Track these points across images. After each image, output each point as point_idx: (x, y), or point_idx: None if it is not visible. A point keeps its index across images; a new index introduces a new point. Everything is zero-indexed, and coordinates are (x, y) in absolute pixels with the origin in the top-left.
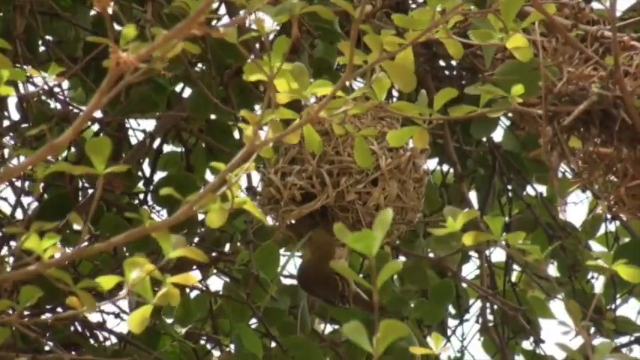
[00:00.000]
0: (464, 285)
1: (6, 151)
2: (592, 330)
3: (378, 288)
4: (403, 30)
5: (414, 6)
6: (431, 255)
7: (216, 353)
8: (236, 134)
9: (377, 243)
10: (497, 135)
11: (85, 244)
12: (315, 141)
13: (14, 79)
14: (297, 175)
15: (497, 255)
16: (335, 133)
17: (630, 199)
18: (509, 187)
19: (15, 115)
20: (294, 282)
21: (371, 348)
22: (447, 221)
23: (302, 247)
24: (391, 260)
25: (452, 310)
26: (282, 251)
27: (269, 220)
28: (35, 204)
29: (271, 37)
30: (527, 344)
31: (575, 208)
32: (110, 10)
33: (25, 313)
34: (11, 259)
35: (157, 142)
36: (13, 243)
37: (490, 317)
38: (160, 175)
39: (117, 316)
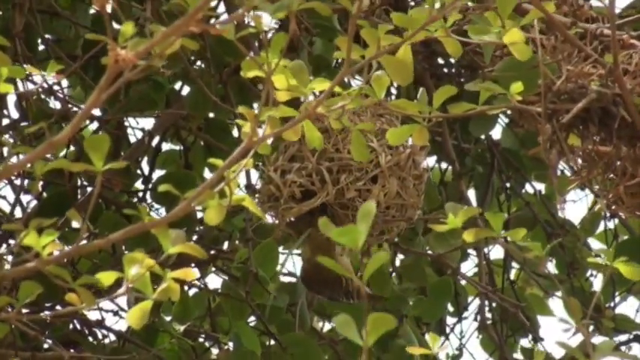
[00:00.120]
0: (462, 283)
1: (5, 150)
2: (591, 328)
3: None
4: (402, 29)
5: (412, 4)
6: (430, 252)
7: (214, 351)
8: (235, 132)
9: (362, 236)
10: (496, 132)
11: (84, 242)
12: (315, 137)
13: (13, 76)
14: (296, 172)
15: (496, 253)
16: (334, 131)
17: (629, 197)
18: (508, 184)
19: (14, 114)
20: (293, 280)
21: (361, 341)
22: (448, 217)
23: (301, 246)
24: (390, 258)
25: (450, 307)
26: (281, 249)
27: (268, 218)
28: (34, 202)
29: (270, 34)
30: (525, 342)
31: (574, 206)
32: (109, 9)
33: (24, 310)
34: (10, 258)
35: (155, 141)
36: (12, 241)
37: (488, 315)
38: (158, 173)
39: (115, 313)
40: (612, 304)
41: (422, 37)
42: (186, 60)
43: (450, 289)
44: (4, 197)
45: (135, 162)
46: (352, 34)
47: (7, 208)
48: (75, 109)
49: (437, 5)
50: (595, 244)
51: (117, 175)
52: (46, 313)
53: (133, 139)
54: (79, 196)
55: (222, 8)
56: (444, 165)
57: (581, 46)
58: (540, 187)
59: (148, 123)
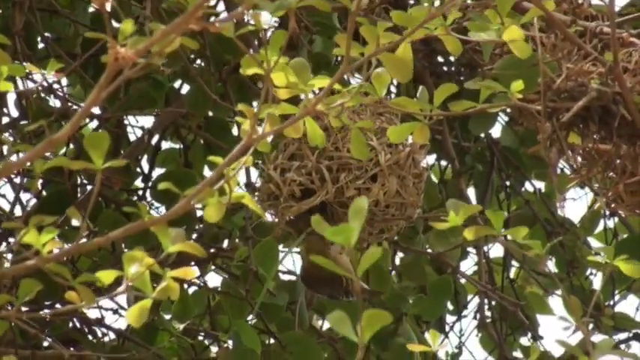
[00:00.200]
0: (462, 281)
1: (5, 148)
2: (590, 326)
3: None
4: (401, 27)
5: (412, 2)
6: (430, 251)
7: (214, 349)
8: (234, 131)
9: (355, 234)
10: (496, 131)
11: (84, 240)
12: (317, 134)
13: (13, 74)
14: (296, 171)
15: (495, 251)
16: (334, 129)
17: (629, 195)
18: (508, 183)
19: (14, 113)
20: (293, 278)
21: (356, 337)
22: (450, 215)
23: (301, 245)
24: (390, 256)
25: (450, 306)
26: (280, 247)
27: (268, 217)
28: (34, 201)
29: (269, 32)
30: (525, 340)
31: (574, 205)
32: (108, 7)
33: (24, 309)
34: (9, 256)
35: (155, 139)
36: (12, 240)
37: (488, 313)
38: (158, 171)
39: (115, 312)
40: (612, 303)
41: (421, 35)
42: (186, 58)
43: (449, 287)
44: (3, 196)
45: (134, 160)
46: (352, 31)
47: (6, 207)
48: (75, 107)
49: (436, 3)
50: (595, 242)
51: (117, 173)
52: (46, 311)
53: (132, 138)
54: (78, 195)
55: (221, 6)
56: (443, 163)
57: (581, 44)
58: (540, 185)
59: (148, 121)
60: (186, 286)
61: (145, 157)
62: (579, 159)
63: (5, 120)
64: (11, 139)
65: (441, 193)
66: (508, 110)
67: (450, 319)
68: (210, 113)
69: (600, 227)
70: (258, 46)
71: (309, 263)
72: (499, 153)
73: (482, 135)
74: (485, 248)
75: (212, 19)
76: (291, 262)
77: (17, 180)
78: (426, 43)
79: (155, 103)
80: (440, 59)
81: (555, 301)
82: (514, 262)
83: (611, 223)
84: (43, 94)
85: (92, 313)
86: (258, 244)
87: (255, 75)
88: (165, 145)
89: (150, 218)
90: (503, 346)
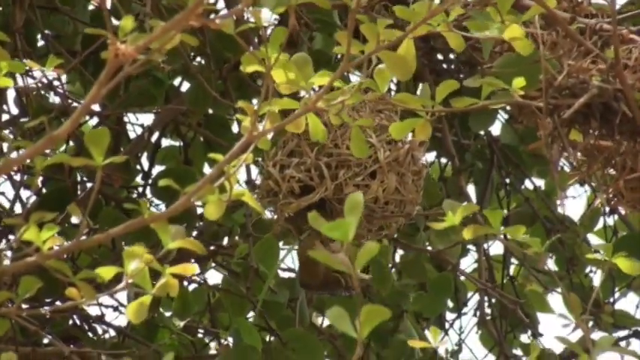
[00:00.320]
0: (462, 278)
1: (5, 145)
2: (590, 324)
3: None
4: (402, 23)
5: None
6: (430, 248)
7: (213, 346)
8: (234, 128)
9: (352, 229)
10: (496, 128)
11: (84, 237)
12: (319, 130)
13: (13, 71)
14: (295, 167)
15: (495, 248)
16: (334, 126)
17: (629, 191)
18: (508, 180)
19: (14, 110)
20: (293, 275)
21: (354, 333)
22: (447, 215)
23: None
24: (390, 254)
25: (450, 303)
26: (280, 244)
27: (268, 213)
28: (34, 198)
29: (269, 29)
30: (525, 338)
31: (574, 202)
32: (108, 4)
33: (24, 306)
34: (9, 253)
35: (155, 136)
36: (12, 237)
37: (488, 311)
38: (158, 168)
39: (115, 309)
40: (612, 300)
41: (424, 32)
42: (186, 56)
43: (450, 284)
44: (2, 193)
45: (134, 158)
46: (352, 29)
47: (6, 204)
48: (75, 104)
49: (437, 0)
50: (594, 240)
51: (117, 170)
52: (46, 308)
53: (132, 135)
54: (78, 192)
55: (221, 3)
56: (443, 161)
57: (582, 41)
58: (540, 183)
59: (148, 119)
60: (186, 283)
61: (145, 154)
62: (579, 156)
63: (5, 117)
64: (11, 136)
65: (441, 191)
66: (508, 108)
67: (449, 316)
68: (210, 111)
69: (600, 225)
70: (259, 44)
71: (304, 268)
72: (499, 150)
73: (482, 132)
74: (485, 246)
75: (212, 16)
76: (290, 260)
77: (17, 177)
78: (426, 40)
79: (155, 100)
80: (439, 57)
81: (555, 299)
82: (514, 260)
83: (610, 221)
84: (42, 91)
85: (92, 311)
86: (258, 241)
87: (255, 72)
88: (165, 142)
89: (150, 214)
90: (503, 343)
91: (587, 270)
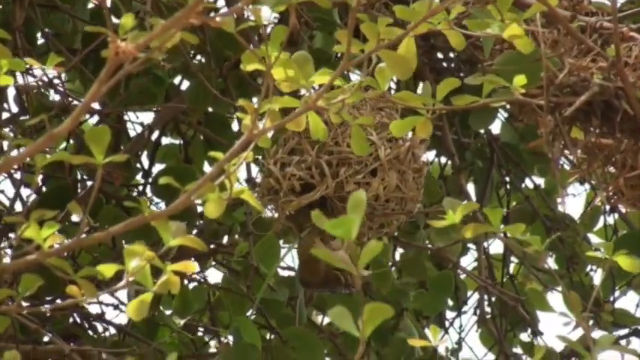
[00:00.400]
0: (462, 277)
1: (5, 143)
2: (590, 322)
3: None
4: (403, 21)
5: None
6: (430, 246)
7: (213, 344)
8: (234, 126)
9: (355, 227)
10: (496, 127)
11: (84, 235)
12: (320, 128)
13: (13, 69)
14: (296, 165)
15: (495, 247)
16: (334, 124)
17: (629, 189)
18: (508, 179)
19: (14, 108)
20: (292, 274)
21: (357, 332)
22: (447, 213)
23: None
24: (390, 252)
25: (450, 302)
26: (280, 242)
27: (268, 212)
28: (34, 196)
29: (269, 28)
30: (525, 336)
31: (574, 201)
32: (108, 2)
33: (25, 304)
34: (9, 251)
35: (155, 135)
36: (12, 235)
37: (488, 309)
38: (158, 167)
39: (116, 307)
40: (612, 299)
41: (424, 30)
42: (186, 54)
43: (450, 283)
44: (1, 191)
45: (135, 156)
46: (352, 27)
47: (7, 203)
48: (75, 102)
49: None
50: (595, 238)
51: (117, 168)
52: (46, 306)
53: (132, 134)
54: (79, 190)
55: (221, 2)
56: (443, 159)
57: (583, 39)
58: (540, 181)
59: (148, 117)
60: (186, 282)
61: (145, 152)
62: (580, 153)
63: (5, 115)
64: (11, 134)
65: (441, 189)
66: (508, 106)
67: (449, 314)
68: (211, 109)
69: (600, 223)
70: (259, 42)
71: (304, 262)
72: (499, 149)
73: (482, 131)
74: (485, 244)
75: (212, 14)
76: (290, 259)
77: (17, 175)
78: (426, 39)
79: (155, 98)
80: (439, 55)
81: (555, 297)
82: (514, 259)
83: (611, 220)
84: (43, 89)
85: (93, 309)
86: (258, 239)
87: (256, 71)
88: (166, 140)
89: (150, 212)
90: (503, 342)
91: (588, 269)
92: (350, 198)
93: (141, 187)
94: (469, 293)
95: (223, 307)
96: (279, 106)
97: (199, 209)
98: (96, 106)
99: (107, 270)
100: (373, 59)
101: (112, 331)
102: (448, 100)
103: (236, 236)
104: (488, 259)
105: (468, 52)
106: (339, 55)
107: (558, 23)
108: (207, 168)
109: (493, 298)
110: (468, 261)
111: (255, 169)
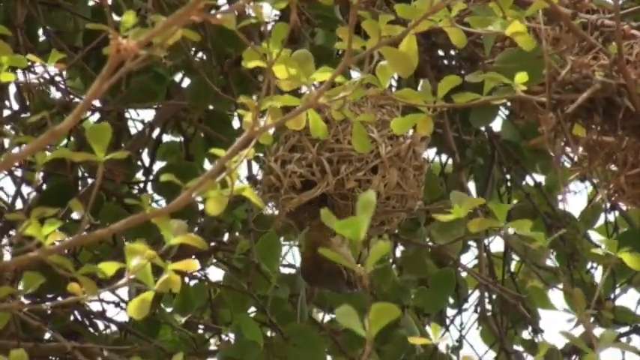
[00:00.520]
0: (463, 274)
1: (6, 141)
2: (591, 320)
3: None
4: (404, 19)
5: None
6: (430, 244)
7: (213, 342)
8: (235, 123)
9: (364, 227)
10: (497, 124)
11: (85, 233)
12: (320, 127)
13: (15, 66)
14: (297, 162)
15: (496, 245)
16: (335, 121)
17: (630, 187)
18: (508, 176)
19: (15, 105)
20: (293, 271)
21: (364, 332)
22: (453, 207)
23: (301, 239)
24: (390, 249)
25: (450, 299)
26: (281, 240)
27: (269, 209)
28: (35, 194)
29: (270, 25)
30: (526, 334)
31: (574, 198)
32: (109, 0)
33: (26, 301)
34: (10, 249)
35: (156, 132)
36: (13, 233)
37: (489, 307)
38: (159, 164)
39: (117, 305)
40: (612, 296)
41: (426, 27)
42: (188, 51)
43: (451, 280)
44: (2, 189)
45: (136, 153)
46: (353, 24)
47: (8, 200)
48: (76, 99)
49: None
50: (595, 236)
51: (118, 166)
52: (48, 303)
53: (133, 131)
54: (80, 188)
55: (222, 0)
56: (444, 157)
57: (585, 36)
58: (540, 179)
59: (149, 114)
60: (187, 279)
61: (146, 150)
62: (581, 151)
63: (7, 112)
64: (12, 131)
65: (441, 186)
66: (509, 104)
67: (450, 312)
68: (211, 106)
69: (601, 221)
70: (260, 39)
71: (307, 258)
72: (500, 146)
73: (483, 128)
74: (486, 242)
75: (213, 11)
76: (291, 256)
77: (18, 173)
78: (427, 36)
79: (156, 96)
80: (440, 53)
81: (556, 295)
82: (515, 257)
83: (611, 217)
84: (44, 87)
85: (94, 306)
86: (259, 237)
87: (257, 68)
88: (167, 138)
89: (151, 211)
90: (503, 339)
91: (588, 266)
92: (359, 198)
93: (142, 185)
94: (470, 291)
95: (224, 305)
96: (280, 104)
97: (200, 207)
98: (97, 103)
99: (108, 268)
100: (374, 56)
101: (114, 328)
102: (449, 97)
103: (237, 234)
104: (489, 256)
105: (469, 49)
106: (340, 52)
107: (560, 20)
108: (208, 165)
109: (494, 296)
110: (469, 258)
111: (256, 167)
